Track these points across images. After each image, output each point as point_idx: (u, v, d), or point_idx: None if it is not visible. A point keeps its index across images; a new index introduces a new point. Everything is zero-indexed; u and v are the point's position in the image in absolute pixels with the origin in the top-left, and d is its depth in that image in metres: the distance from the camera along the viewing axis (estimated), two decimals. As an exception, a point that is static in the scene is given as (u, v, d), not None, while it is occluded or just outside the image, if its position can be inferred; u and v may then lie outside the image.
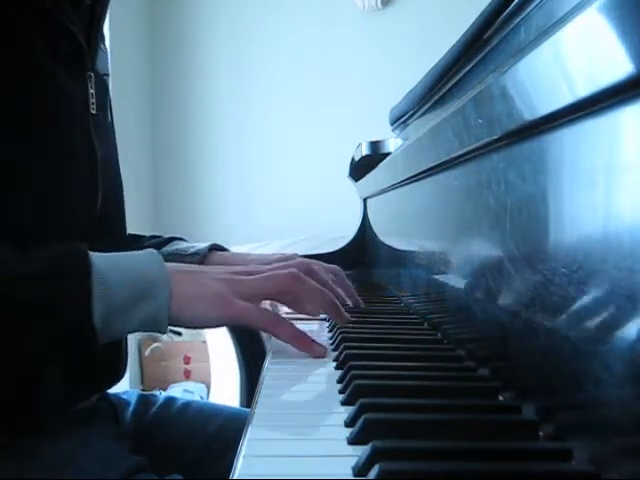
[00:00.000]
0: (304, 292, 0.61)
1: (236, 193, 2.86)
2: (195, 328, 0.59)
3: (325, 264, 0.78)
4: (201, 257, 0.81)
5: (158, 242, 0.86)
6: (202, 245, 0.83)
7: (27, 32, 0.59)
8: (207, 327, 0.59)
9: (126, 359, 0.76)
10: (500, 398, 0.44)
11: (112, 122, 0.79)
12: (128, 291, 0.53)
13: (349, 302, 0.80)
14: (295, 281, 0.60)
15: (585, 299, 0.32)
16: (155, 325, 0.55)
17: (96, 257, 0.53)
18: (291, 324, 0.58)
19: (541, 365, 0.38)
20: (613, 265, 0.29)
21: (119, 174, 0.78)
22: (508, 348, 0.44)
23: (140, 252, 0.57)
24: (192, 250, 0.81)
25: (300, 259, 0.73)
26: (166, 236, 0.89)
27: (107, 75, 0.76)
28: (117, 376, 0.74)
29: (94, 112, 0.68)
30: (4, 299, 0.49)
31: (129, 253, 0.57)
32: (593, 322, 0.31)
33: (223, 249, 0.85)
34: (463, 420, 0.39)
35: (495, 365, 0.48)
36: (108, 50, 0.78)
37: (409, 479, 0.31)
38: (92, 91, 0.68)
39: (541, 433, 0.37)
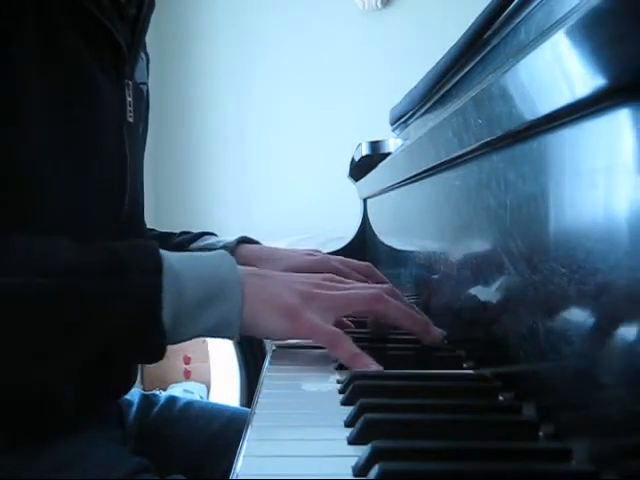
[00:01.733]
0: (389, 314, 0.56)
1: (236, 193, 2.86)
2: (261, 337, 0.56)
3: (356, 262, 0.75)
4: (229, 251, 0.78)
5: (189, 238, 0.84)
6: (231, 238, 0.80)
7: (75, 44, 0.58)
8: (273, 338, 0.56)
9: (136, 370, 0.75)
10: (500, 398, 0.44)
11: (145, 134, 0.78)
12: (200, 292, 0.50)
13: None
14: (378, 304, 0.56)
15: (585, 299, 0.32)
16: (226, 329, 0.52)
17: (169, 255, 0.51)
18: (351, 343, 0.53)
19: (541, 365, 0.38)
20: (613, 265, 0.29)
21: (142, 183, 0.77)
22: (508, 348, 0.44)
23: (212, 253, 0.55)
24: (220, 244, 0.79)
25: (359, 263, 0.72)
26: (196, 232, 0.87)
27: (145, 84, 0.75)
28: (129, 387, 0.74)
29: (131, 120, 0.67)
30: (61, 290, 0.46)
31: (201, 253, 0.55)
32: (593, 322, 0.31)
33: (253, 241, 0.82)
34: (463, 420, 0.39)
35: (495, 365, 0.48)
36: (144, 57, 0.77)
37: (409, 479, 0.31)
38: (130, 99, 0.67)
39: (541, 433, 0.37)
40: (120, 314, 0.48)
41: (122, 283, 0.48)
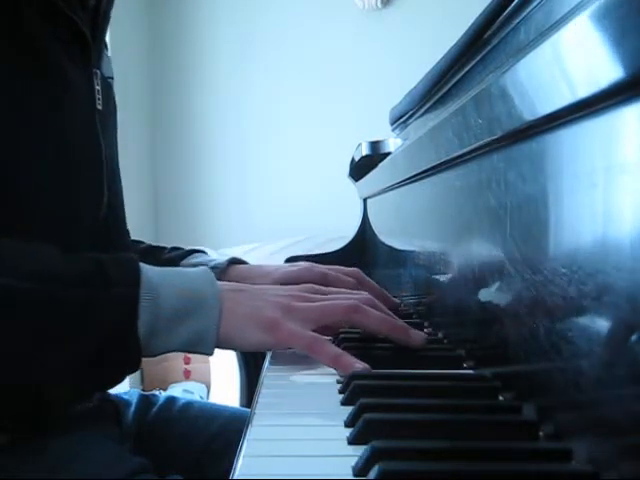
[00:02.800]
0: (367, 323, 0.57)
1: (236, 193, 2.86)
2: (240, 350, 0.57)
3: (345, 268, 0.76)
4: (219, 271, 0.78)
5: (180, 254, 0.85)
6: (221, 259, 0.81)
7: (40, 31, 0.59)
8: (253, 350, 0.57)
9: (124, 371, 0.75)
10: (500, 398, 0.44)
11: (116, 123, 0.79)
12: (177, 306, 0.51)
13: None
14: (356, 314, 0.57)
15: (585, 299, 0.32)
16: (201, 344, 0.53)
17: (147, 268, 0.52)
18: (331, 345, 0.54)
19: (541, 365, 0.38)
20: (613, 265, 0.29)
21: (119, 175, 0.78)
22: (508, 348, 0.44)
23: (193, 269, 0.56)
24: (211, 264, 0.79)
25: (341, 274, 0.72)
26: (187, 248, 0.88)
27: (112, 78, 0.76)
28: (115, 385, 0.73)
29: (100, 107, 0.68)
30: (41, 297, 0.47)
31: (181, 269, 0.56)
32: (593, 322, 0.31)
33: (242, 262, 0.83)
34: (463, 420, 0.39)
35: (495, 365, 0.48)
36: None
37: (409, 479, 0.31)
38: (98, 87, 0.68)
39: (541, 433, 0.37)
40: (98, 323, 0.49)
41: (101, 294, 0.49)
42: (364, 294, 0.62)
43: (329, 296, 0.60)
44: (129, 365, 0.51)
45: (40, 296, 0.47)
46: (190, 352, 0.54)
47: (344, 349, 0.56)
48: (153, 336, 0.50)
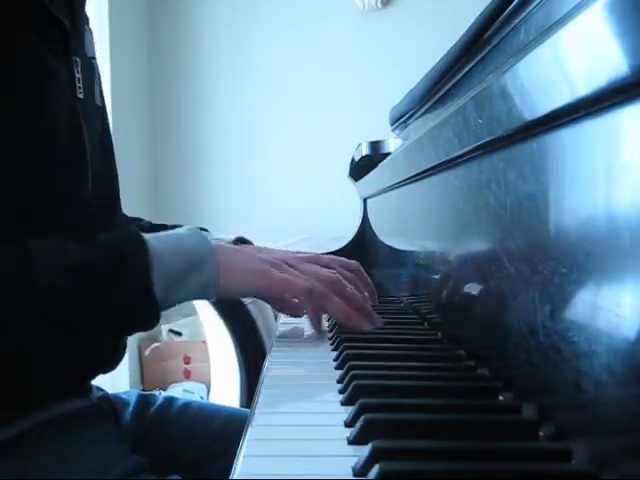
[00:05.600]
0: (329, 308, 0.66)
1: (236, 193, 2.86)
2: (240, 297, 0.70)
3: (345, 259, 0.78)
4: None
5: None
6: (228, 237, 0.85)
7: (9, 15, 0.58)
8: (252, 295, 0.66)
9: (124, 346, 0.75)
10: (500, 398, 0.44)
11: (104, 106, 0.78)
12: (180, 264, 0.58)
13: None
14: (334, 284, 0.66)
15: (585, 299, 0.32)
16: (206, 293, 0.61)
17: (147, 236, 0.58)
18: (332, 296, 0.65)
19: (541, 365, 0.38)
20: (613, 265, 0.29)
21: (113, 158, 0.79)
22: (508, 348, 0.44)
23: (183, 230, 0.64)
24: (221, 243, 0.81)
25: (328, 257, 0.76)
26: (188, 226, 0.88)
27: (94, 58, 0.75)
28: (116, 361, 0.73)
29: (81, 96, 0.68)
30: (67, 288, 0.53)
31: (173, 232, 0.63)
32: (593, 322, 0.31)
33: (248, 242, 0.86)
34: (463, 420, 0.39)
35: (495, 365, 0.48)
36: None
37: (409, 479, 0.31)
38: (78, 75, 0.68)
39: (541, 433, 0.37)
40: (125, 292, 0.56)
41: (122, 272, 0.56)
42: (337, 275, 0.68)
43: (307, 264, 0.69)
44: (151, 322, 0.58)
45: (76, 289, 0.54)
46: (197, 299, 0.65)
47: (344, 349, 0.56)
48: (167, 291, 0.58)
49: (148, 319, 0.58)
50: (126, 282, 0.56)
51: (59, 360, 0.57)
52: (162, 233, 0.61)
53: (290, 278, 0.64)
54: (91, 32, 0.76)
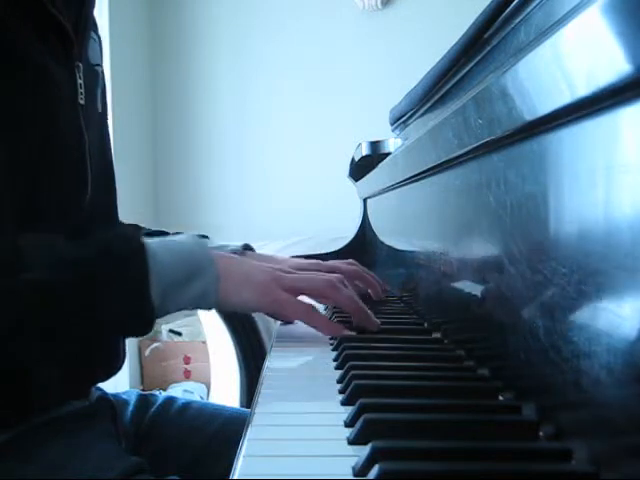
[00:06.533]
0: (338, 299, 0.66)
1: (236, 193, 2.86)
2: (238, 310, 0.66)
3: (343, 262, 0.82)
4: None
5: None
6: (234, 244, 0.85)
7: (10, 19, 0.59)
8: (250, 311, 0.69)
9: (124, 352, 0.76)
10: (500, 398, 0.44)
11: (105, 113, 0.78)
12: (178, 270, 0.57)
13: (373, 295, 0.85)
14: (332, 289, 0.66)
15: (585, 299, 0.32)
16: (205, 301, 0.60)
17: (149, 242, 0.57)
18: (323, 315, 0.67)
19: (541, 365, 0.38)
20: (613, 265, 0.29)
21: (111, 164, 0.78)
22: (508, 348, 0.44)
23: (183, 236, 0.63)
24: (227, 249, 0.82)
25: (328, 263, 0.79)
26: (190, 234, 0.88)
27: (99, 65, 0.75)
28: (116, 367, 0.74)
29: (82, 102, 0.68)
30: (58, 287, 0.52)
31: (173, 237, 0.63)
32: (593, 322, 0.31)
33: (252, 249, 0.87)
34: (463, 420, 0.39)
35: (495, 365, 0.48)
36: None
37: (409, 479, 0.31)
38: (80, 81, 0.68)
39: (541, 433, 0.37)
40: (120, 294, 0.55)
41: (117, 272, 0.55)
42: (338, 275, 0.69)
43: (307, 271, 0.70)
44: (146, 327, 0.57)
45: (75, 280, 0.53)
46: (195, 308, 0.61)
47: (344, 349, 0.56)
48: (164, 297, 0.56)
49: (142, 318, 0.57)
50: (124, 281, 0.55)
51: (50, 357, 0.57)
52: (162, 238, 0.61)
53: (291, 301, 0.63)
54: (98, 40, 0.76)
